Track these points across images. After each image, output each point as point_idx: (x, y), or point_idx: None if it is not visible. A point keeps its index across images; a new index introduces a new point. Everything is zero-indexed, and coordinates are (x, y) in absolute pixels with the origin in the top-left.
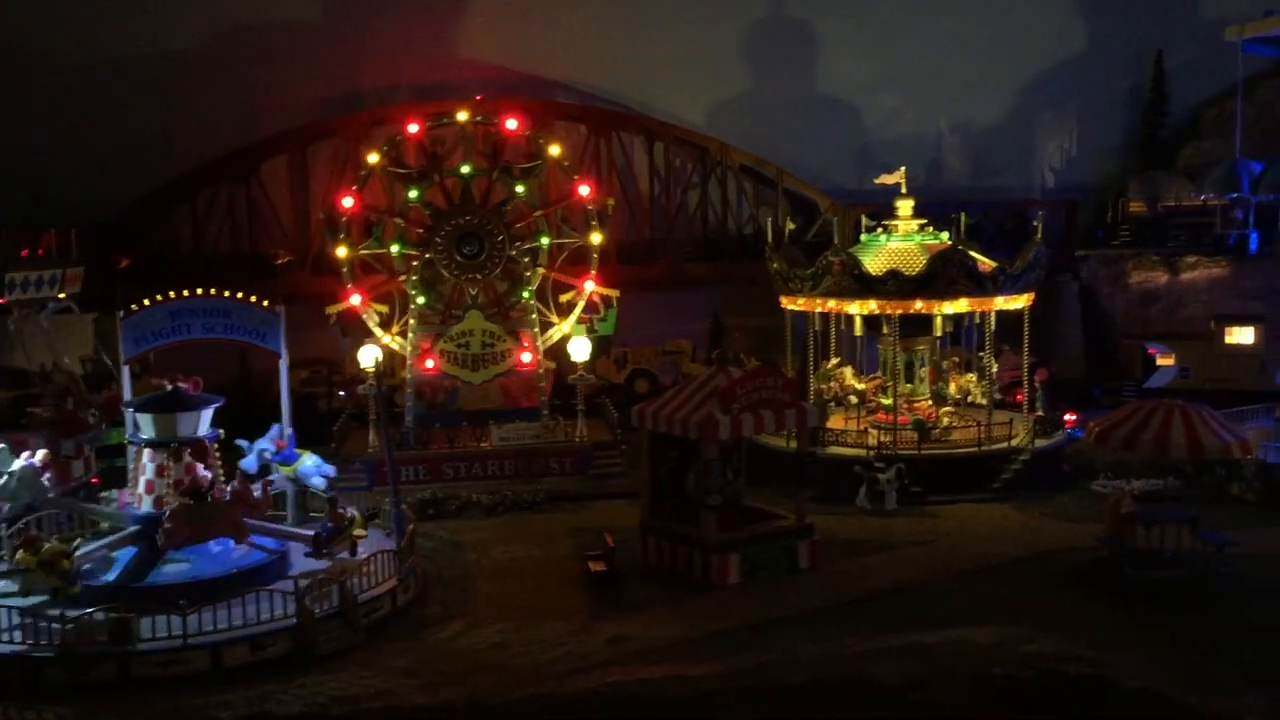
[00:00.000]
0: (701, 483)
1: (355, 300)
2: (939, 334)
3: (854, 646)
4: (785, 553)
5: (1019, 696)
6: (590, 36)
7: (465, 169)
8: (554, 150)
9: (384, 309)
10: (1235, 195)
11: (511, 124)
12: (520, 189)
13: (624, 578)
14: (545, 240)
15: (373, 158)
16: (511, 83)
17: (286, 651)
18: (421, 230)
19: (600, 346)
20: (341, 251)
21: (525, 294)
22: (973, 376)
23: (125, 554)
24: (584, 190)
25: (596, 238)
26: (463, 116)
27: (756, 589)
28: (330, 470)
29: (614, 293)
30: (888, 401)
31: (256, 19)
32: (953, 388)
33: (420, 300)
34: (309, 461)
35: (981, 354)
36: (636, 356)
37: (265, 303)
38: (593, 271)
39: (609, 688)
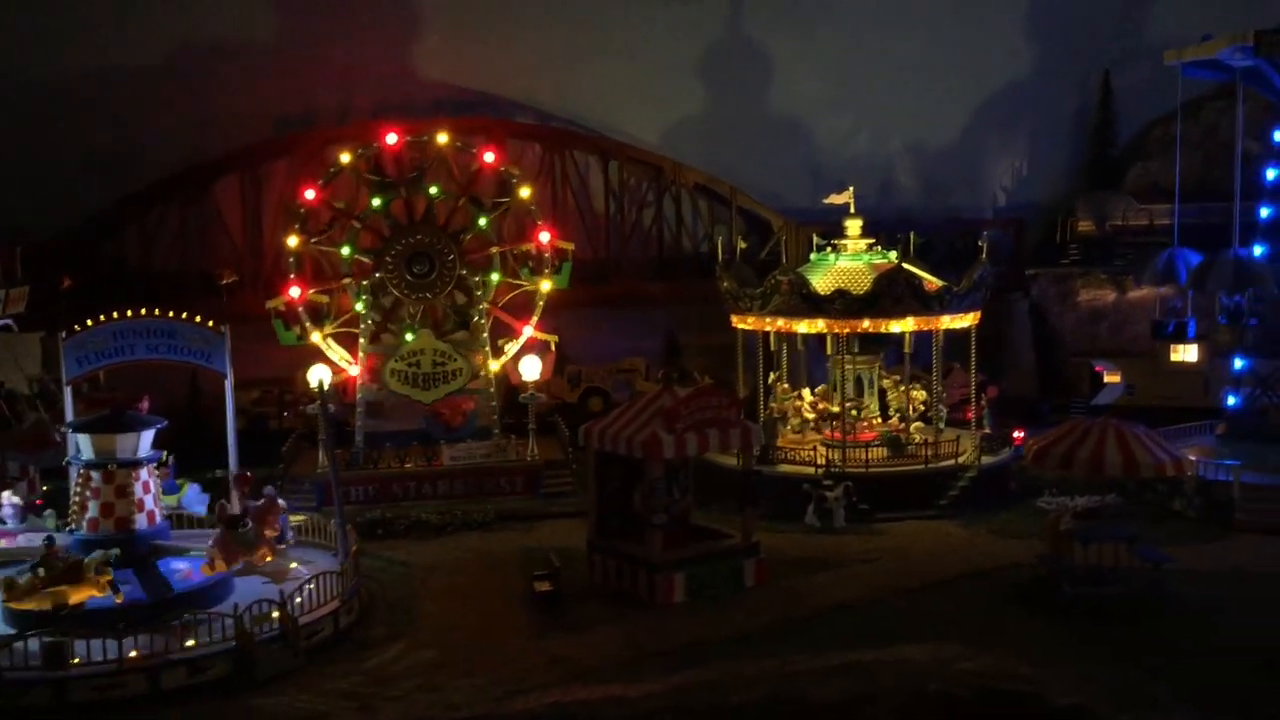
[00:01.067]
0: (647, 502)
1: (294, 293)
2: (909, 350)
3: (795, 665)
4: (731, 571)
5: (954, 714)
6: (546, 56)
7: (434, 190)
8: (524, 192)
9: (324, 299)
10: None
11: (489, 157)
12: (483, 221)
13: (570, 597)
14: (495, 276)
15: (345, 157)
16: (467, 102)
17: (226, 675)
18: (376, 239)
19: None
20: (293, 240)
21: (495, 277)
22: (921, 393)
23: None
24: (544, 237)
25: (546, 285)
26: (443, 139)
27: (702, 608)
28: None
29: (552, 338)
30: (837, 409)
31: (210, 37)
32: (896, 403)
33: (359, 308)
34: (188, 491)
35: (916, 375)
36: (590, 375)
37: (210, 323)
38: (534, 318)
39: (547, 709)
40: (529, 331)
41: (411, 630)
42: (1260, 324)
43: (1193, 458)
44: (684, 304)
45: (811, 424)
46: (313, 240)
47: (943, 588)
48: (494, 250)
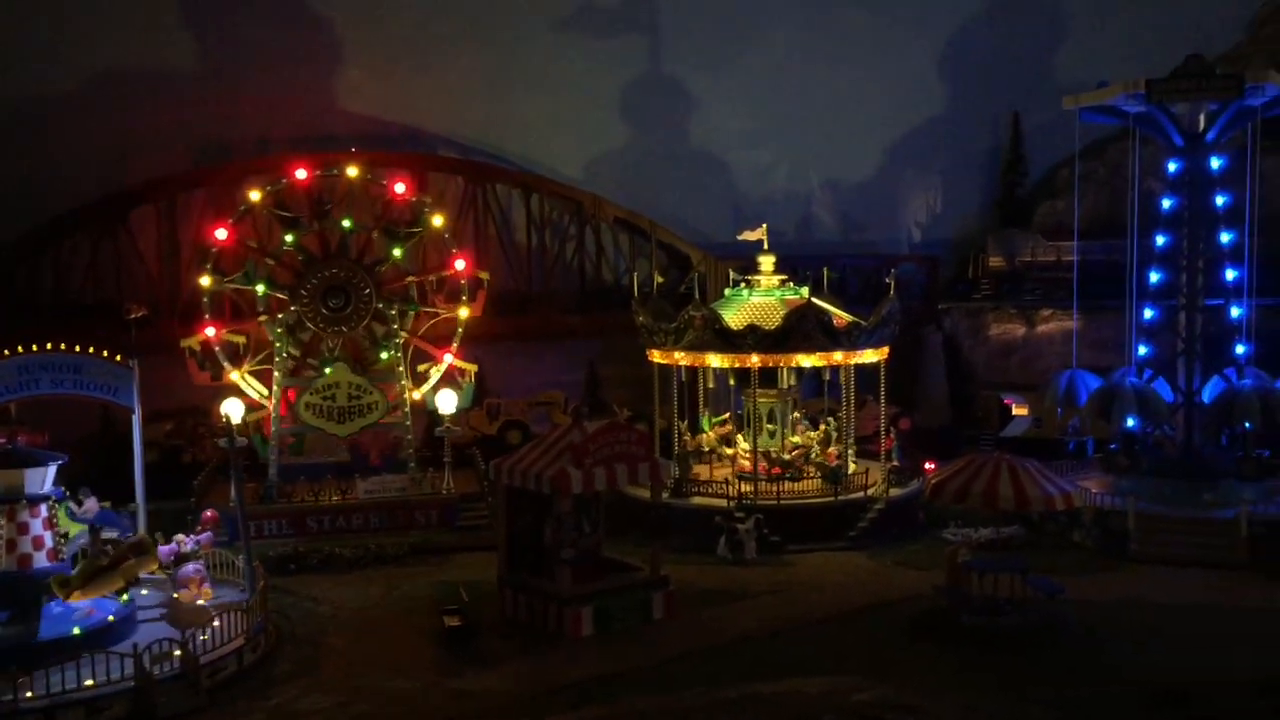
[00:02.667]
0: (556, 536)
1: (210, 333)
2: (827, 382)
3: (692, 699)
4: (640, 604)
5: None
6: (469, 90)
7: (346, 223)
8: (437, 221)
9: (240, 339)
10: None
11: (400, 188)
12: (397, 252)
13: (480, 631)
14: (397, 251)
15: (255, 195)
16: (389, 135)
17: (125, 715)
18: (291, 274)
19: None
20: (205, 280)
21: (384, 355)
22: (817, 431)
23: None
24: (460, 265)
25: (464, 312)
26: (353, 172)
27: (609, 641)
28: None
29: (471, 367)
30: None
31: (129, 65)
32: (798, 438)
33: (276, 344)
34: (190, 567)
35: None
36: (509, 408)
37: (119, 357)
38: (454, 345)
39: None
40: (449, 359)
41: (318, 667)
42: (1154, 450)
43: (1094, 489)
44: (605, 336)
45: (711, 453)
46: (226, 280)
47: (846, 619)
48: (410, 280)
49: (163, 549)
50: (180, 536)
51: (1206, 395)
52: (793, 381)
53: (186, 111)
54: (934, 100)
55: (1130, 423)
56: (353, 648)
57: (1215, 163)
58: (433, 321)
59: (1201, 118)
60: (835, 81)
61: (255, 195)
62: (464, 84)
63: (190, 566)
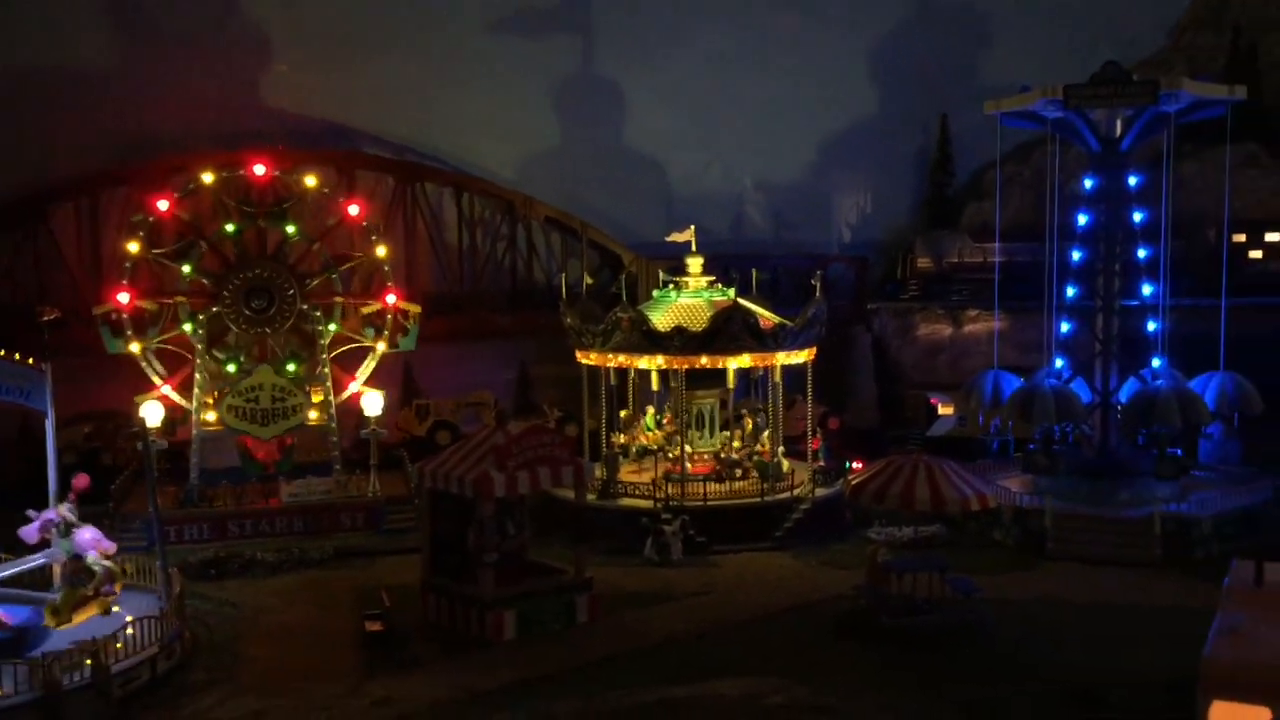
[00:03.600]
0: (479, 540)
1: (123, 298)
2: (755, 381)
3: (610, 703)
4: (563, 607)
5: None
6: (399, 88)
7: (230, 227)
8: (309, 181)
9: (152, 307)
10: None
11: (259, 169)
12: (290, 229)
13: (403, 636)
14: (334, 326)
15: (133, 246)
16: (316, 132)
17: None
18: (220, 264)
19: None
20: (134, 246)
21: (334, 326)
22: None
23: None
24: (353, 210)
25: (381, 250)
26: (208, 178)
27: (532, 645)
28: (110, 545)
29: (415, 308)
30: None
31: (48, 62)
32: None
33: (231, 369)
34: (88, 534)
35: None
36: (439, 408)
37: (30, 360)
38: (363, 375)
39: None
40: (392, 299)
41: (234, 674)
42: (1073, 449)
43: (1014, 489)
44: (537, 336)
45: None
46: (156, 251)
47: (769, 620)
48: (338, 300)
49: (27, 529)
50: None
51: (1124, 395)
52: (733, 383)
53: (108, 109)
54: (864, 102)
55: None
56: (272, 654)
57: (1132, 176)
58: (351, 346)
59: (1119, 123)
60: (767, 83)
61: (133, 247)
62: (394, 82)
63: (86, 534)
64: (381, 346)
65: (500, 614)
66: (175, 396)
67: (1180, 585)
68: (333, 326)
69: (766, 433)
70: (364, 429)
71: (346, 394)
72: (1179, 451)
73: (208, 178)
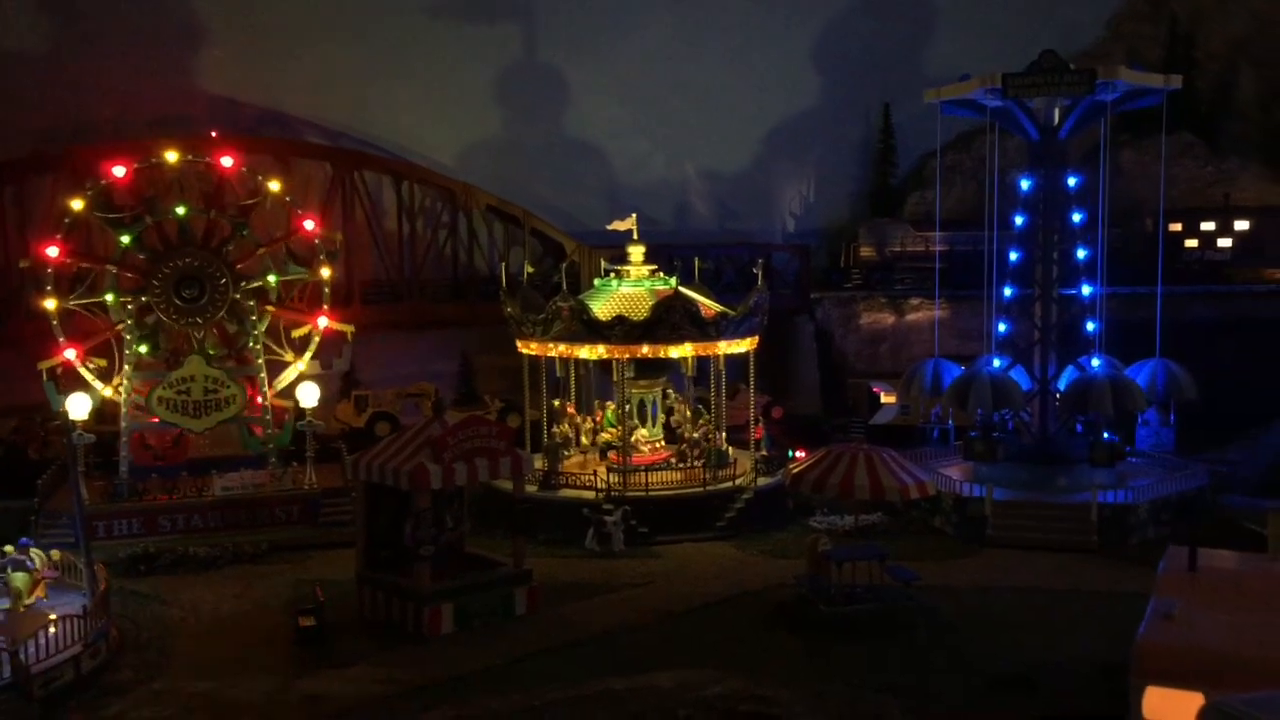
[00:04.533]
0: (415, 533)
1: (70, 355)
2: (691, 374)
3: (546, 696)
4: (502, 600)
5: None
6: (337, 74)
7: (180, 210)
8: (274, 186)
9: (102, 362)
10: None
11: (226, 161)
12: (242, 228)
13: (337, 632)
14: (272, 278)
15: (77, 204)
16: (253, 118)
17: None
18: (137, 276)
19: (343, 389)
20: (50, 304)
21: (256, 334)
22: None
23: None
24: (309, 225)
25: (326, 272)
26: (172, 157)
27: (469, 639)
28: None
29: (348, 328)
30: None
31: None
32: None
33: (142, 349)
34: None
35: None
36: (378, 399)
37: None
38: (325, 307)
39: None
40: (324, 323)
41: (162, 673)
42: (1012, 437)
43: (954, 476)
44: (479, 326)
45: (597, 445)
46: (72, 298)
47: (707, 611)
48: (261, 251)
49: None
50: None
51: (1062, 383)
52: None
53: (35, 93)
54: (809, 91)
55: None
56: (201, 651)
57: (1070, 176)
58: (296, 290)
59: (1056, 112)
60: (711, 71)
61: (78, 204)
62: (332, 68)
63: None
64: (302, 366)
65: (437, 608)
66: (78, 365)
67: (1116, 571)
68: (271, 278)
69: (704, 419)
70: (300, 421)
71: (319, 329)
72: (1115, 438)
73: (77, 205)
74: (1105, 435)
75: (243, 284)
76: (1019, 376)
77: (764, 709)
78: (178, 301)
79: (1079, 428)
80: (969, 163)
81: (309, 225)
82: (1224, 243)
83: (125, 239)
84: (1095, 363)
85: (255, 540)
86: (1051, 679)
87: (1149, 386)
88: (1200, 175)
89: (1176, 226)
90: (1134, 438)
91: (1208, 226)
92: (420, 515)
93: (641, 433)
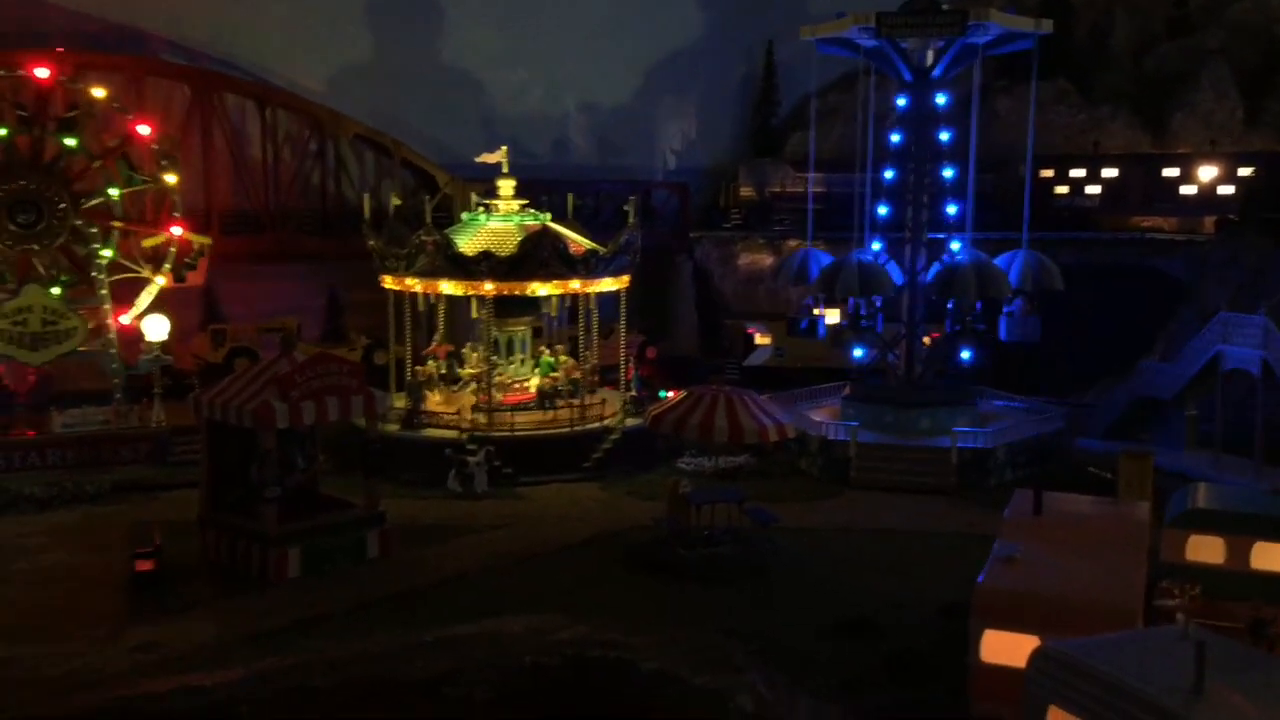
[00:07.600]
0: (261, 474)
1: None
2: (554, 314)
3: (386, 643)
4: (354, 543)
5: (546, 685)
6: None
7: (72, 141)
8: (98, 93)
9: None
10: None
11: (41, 72)
12: (70, 141)
13: (178, 576)
14: (114, 191)
15: None
16: (103, 34)
17: None
18: None
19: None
20: None
21: (109, 252)
22: (563, 357)
23: None
24: (143, 130)
25: (171, 178)
26: (100, 93)
27: (316, 583)
28: None
29: (204, 240)
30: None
31: None
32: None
33: None
34: None
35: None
36: (237, 333)
37: None
38: (177, 214)
39: (110, 704)
40: (178, 231)
41: None
42: (879, 323)
43: (820, 419)
44: (349, 260)
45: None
46: None
47: (567, 553)
48: (96, 164)
49: None
50: None
51: (930, 275)
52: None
53: None
54: (692, 26)
55: (858, 353)
56: (29, 598)
57: (939, 95)
58: (143, 201)
59: (930, 54)
60: (593, 2)
61: None
62: None
63: None
64: (161, 280)
65: (284, 551)
66: None
67: (973, 513)
68: (108, 252)
69: (564, 358)
70: (145, 355)
71: (174, 238)
72: (982, 325)
73: None
74: (973, 324)
75: (82, 202)
76: (892, 271)
77: (614, 654)
78: (13, 228)
79: (951, 369)
80: (851, 104)
81: (143, 130)
82: (1093, 190)
83: (3, 131)
84: (955, 246)
85: (98, 480)
86: (898, 620)
87: (1017, 276)
88: (1074, 122)
89: (1049, 173)
90: (999, 329)
91: (1077, 173)
92: (266, 456)
93: (508, 372)
